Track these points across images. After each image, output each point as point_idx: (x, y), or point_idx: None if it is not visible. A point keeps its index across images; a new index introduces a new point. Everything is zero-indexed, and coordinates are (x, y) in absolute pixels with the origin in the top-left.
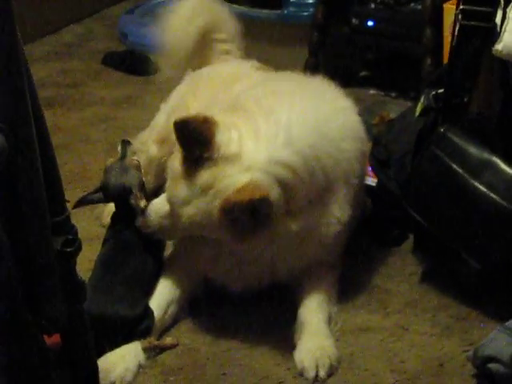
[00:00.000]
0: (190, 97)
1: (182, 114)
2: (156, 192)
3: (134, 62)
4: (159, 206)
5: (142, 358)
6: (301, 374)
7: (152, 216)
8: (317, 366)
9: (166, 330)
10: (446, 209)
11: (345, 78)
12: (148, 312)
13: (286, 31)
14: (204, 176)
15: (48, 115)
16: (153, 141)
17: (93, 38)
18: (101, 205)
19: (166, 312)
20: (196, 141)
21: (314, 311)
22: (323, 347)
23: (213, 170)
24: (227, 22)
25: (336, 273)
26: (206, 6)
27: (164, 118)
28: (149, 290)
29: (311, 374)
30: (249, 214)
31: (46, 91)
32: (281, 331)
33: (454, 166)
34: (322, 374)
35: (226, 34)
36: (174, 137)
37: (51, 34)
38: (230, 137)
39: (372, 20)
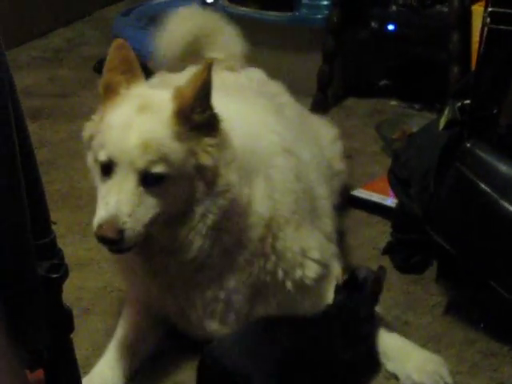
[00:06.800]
0: None
1: None
2: None
3: None
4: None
5: None
6: None
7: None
8: (440, 378)
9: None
10: (473, 232)
11: (363, 88)
12: None
13: (298, 36)
14: None
15: (33, 128)
16: None
17: (84, 43)
18: None
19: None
20: None
21: (393, 333)
22: (428, 359)
23: None
24: (221, 33)
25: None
26: (198, 16)
27: None
28: None
29: None
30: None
31: (32, 101)
32: None
33: (482, 185)
34: (450, 381)
35: (218, 45)
36: None
37: (38, 38)
38: None
39: (393, 24)
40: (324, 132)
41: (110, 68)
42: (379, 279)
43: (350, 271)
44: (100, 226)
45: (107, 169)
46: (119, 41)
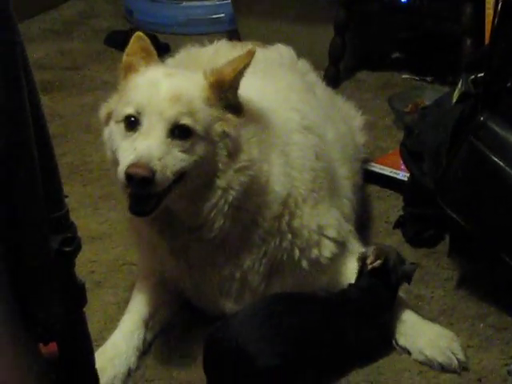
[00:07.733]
0: None
1: None
2: None
3: None
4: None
5: (133, 362)
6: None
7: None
8: (452, 353)
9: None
10: (486, 206)
11: (374, 61)
12: None
13: (309, 8)
14: None
15: (45, 101)
16: None
17: (95, 16)
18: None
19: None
20: None
21: (406, 308)
22: (440, 334)
23: None
24: None
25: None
26: None
27: None
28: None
29: (452, 362)
30: None
31: (43, 74)
32: None
33: (495, 159)
34: (462, 356)
35: None
36: None
37: (49, 10)
38: None
39: None
40: (352, 115)
41: (130, 53)
42: (410, 274)
43: (381, 257)
44: (131, 165)
45: (133, 123)
46: (140, 34)
